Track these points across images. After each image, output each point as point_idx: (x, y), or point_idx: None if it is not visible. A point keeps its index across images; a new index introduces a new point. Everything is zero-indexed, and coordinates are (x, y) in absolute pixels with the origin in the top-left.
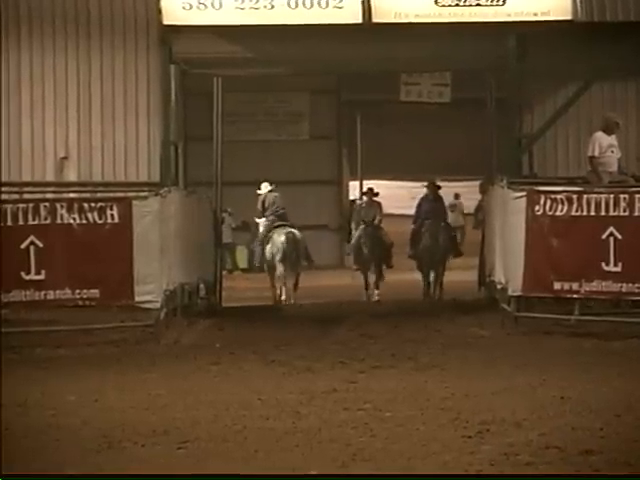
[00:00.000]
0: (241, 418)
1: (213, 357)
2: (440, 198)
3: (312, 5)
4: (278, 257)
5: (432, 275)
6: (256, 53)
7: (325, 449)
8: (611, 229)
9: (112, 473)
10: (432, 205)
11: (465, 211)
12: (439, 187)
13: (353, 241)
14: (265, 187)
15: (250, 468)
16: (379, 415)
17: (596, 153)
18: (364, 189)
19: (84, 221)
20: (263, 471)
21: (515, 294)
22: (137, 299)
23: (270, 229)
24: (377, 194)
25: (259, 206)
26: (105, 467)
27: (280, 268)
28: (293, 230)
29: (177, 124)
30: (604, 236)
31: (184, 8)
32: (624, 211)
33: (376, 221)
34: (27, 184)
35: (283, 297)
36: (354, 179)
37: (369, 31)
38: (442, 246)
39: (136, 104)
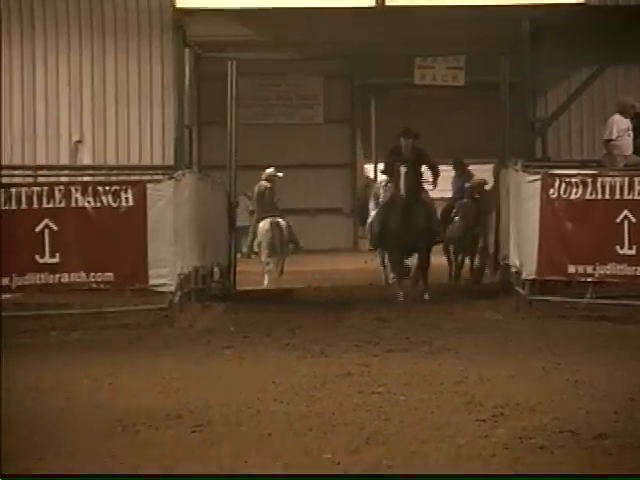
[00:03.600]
0: (255, 402)
1: (227, 341)
2: (470, 175)
3: None
4: (262, 245)
5: (460, 258)
6: (270, 36)
7: (339, 433)
8: (626, 212)
9: (113, 473)
10: (461, 184)
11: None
12: (466, 165)
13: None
14: (268, 172)
15: (264, 452)
16: (393, 399)
17: (613, 136)
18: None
19: (98, 204)
20: (277, 455)
21: (529, 277)
22: (151, 282)
23: (258, 219)
24: None
25: (255, 194)
26: (119, 451)
27: (263, 256)
28: (276, 219)
29: (191, 108)
30: (619, 219)
31: None
32: (639, 194)
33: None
34: (42, 167)
35: (266, 282)
36: (368, 162)
37: (383, 14)
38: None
39: (150, 88)
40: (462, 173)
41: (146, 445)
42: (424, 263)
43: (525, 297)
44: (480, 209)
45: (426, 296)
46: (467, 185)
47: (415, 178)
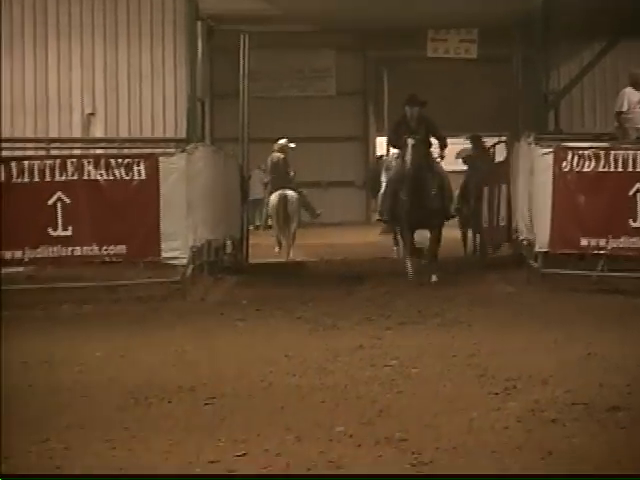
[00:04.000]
0: (267, 374)
1: (239, 313)
2: (486, 151)
3: None
4: (272, 218)
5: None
6: (282, 9)
7: (351, 406)
8: (638, 185)
9: (114, 474)
10: (478, 160)
11: None
12: (482, 139)
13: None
14: (281, 143)
15: (276, 424)
16: (405, 372)
17: (624, 108)
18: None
19: (111, 177)
20: (289, 427)
21: (541, 250)
22: (164, 255)
23: (270, 191)
24: None
25: (269, 166)
26: (131, 424)
27: (275, 228)
28: (286, 191)
29: (203, 81)
30: (631, 192)
31: None
32: None
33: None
34: (54, 140)
35: (277, 252)
36: (380, 135)
37: None
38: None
39: (163, 60)
40: (478, 148)
41: (158, 418)
42: (435, 240)
43: (537, 270)
44: (470, 181)
45: (434, 278)
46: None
47: (424, 149)
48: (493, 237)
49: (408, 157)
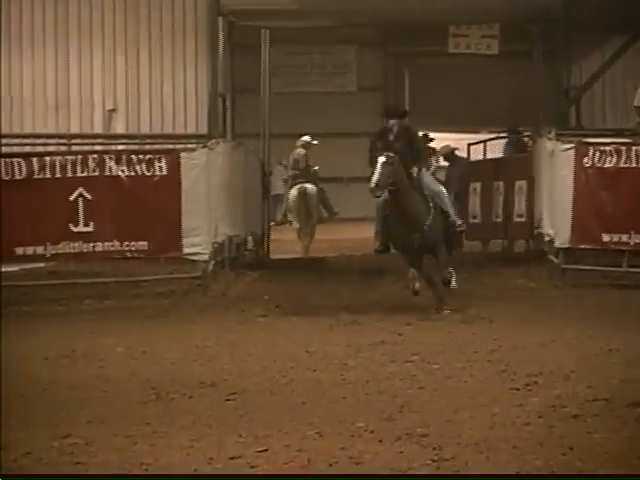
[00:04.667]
0: (289, 370)
1: (261, 309)
2: (524, 145)
3: None
4: (292, 212)
5: None
6: (303, 5)
7: (372, 401)
8: None
9: (117, 474)
10: (512, 152)
11: None
12: (521, 133)
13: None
14: (304, 140)
15: (297, 420)
16: (427, 367)
17: None
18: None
19: (132, 173)
20: (311, 423)
21: (563, 246)
22: (185, 251)
23: (291, 185)
24: (432, 139)
25: (290, 161)
26: (152, 419)
27: (295, 223)
28: (306, 185)
29: (225, 76)
30: None
31: None
32: None
33: (432, 169)
34: (75, 136)
35: (298, 248)
36: None
37: None
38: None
39: (184, 56)
40: (514, 141)
41: (179, 413)
42: (440, 269)
43: (558, 266)
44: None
45: (453, 283)
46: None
47: (399, 167)
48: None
49: (375, 177)
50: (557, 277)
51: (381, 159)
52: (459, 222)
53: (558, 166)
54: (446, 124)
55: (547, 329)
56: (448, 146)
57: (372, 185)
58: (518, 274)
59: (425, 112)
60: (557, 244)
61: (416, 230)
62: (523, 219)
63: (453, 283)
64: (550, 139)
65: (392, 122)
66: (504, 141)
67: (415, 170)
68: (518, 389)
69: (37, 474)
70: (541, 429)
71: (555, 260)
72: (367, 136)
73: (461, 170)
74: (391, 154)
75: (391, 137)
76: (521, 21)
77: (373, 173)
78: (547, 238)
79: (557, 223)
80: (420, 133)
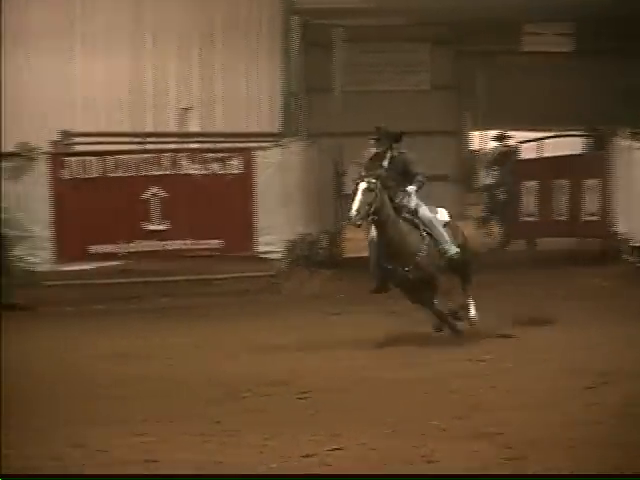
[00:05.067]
0: (361, 369)
1: (334, 307)
2: (603, 143)
3: None
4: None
5: None
6: (376, 3)
7: (445, 400)
8: None
9: (122, 474)
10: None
11: None
12: (598, 131)
13: None
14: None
15: (370, 418)
16: (500, 366)
17: None
18: (495, 134)
19: (206, 172)
20: (384, 422)
21: (638, 245)
22: (259, 249)
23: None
24: (509, 137)
25: (363, 160)
26: (223, 417)
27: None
28: (369, 180)
29: (298, 75)
30: None
31: None
32: None
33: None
34: (150, 134)
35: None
36: (474, 129)
37: None
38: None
39: (257, 55)
40: (595, 139)
41: (250, 411)
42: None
43: (633, 264)
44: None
45: (472, 313)
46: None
47: (380, 195)
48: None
49: (354, 205)
50: (631, 276)
51: (362, 185)
52: (453, 250)
53: (633, 165)
54: (519, 123)
55: (620, 328)
56: (505, 146)
57: (350, 214)
58: (591, 273)
59: (498, 111)
60: (632, 242)
61: (408, 262)
62: (594, 218)
63: (472, 313)
64: (625, 138)
65: (385, 147)
66: (582, 139)
67: (405, 195)
68: (590, 387)
69: (37, 474)
70: (613, 429)
71: (630, 258)
72: (441, 135)
73: (510, 169)
74: (373, 180)
75: (385, 164)
76: (596, 18)
77: (353, 200)
78: (621, 237)
79: (632, 221)
80: (496, 132)
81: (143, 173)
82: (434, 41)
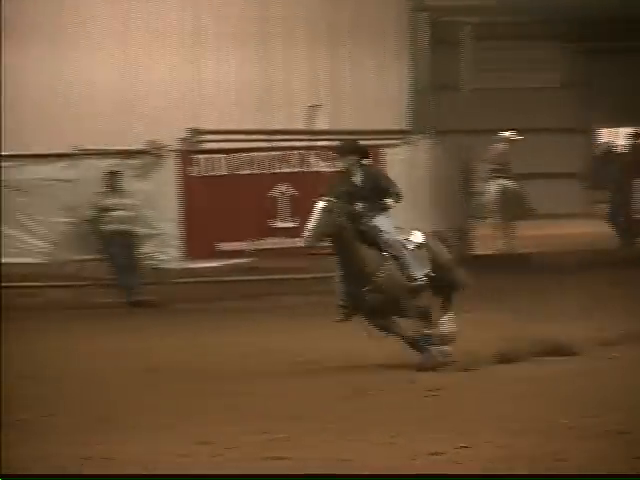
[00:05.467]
0: (490, 366)
1: (464, 304)
2: None
3: None
4: (492, 209)
5: None
6: (504, 0)
7: (573, 397)
8: None
9: (117, 474)
10: None
11: None
12: None
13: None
14: (506, 135)
15: (498, 416)
16: (627, 365)
17: None
18: (631, 131)
19: (334, 169)
20: (511, 418)
21: None
22: None
23: (491, 181)
24: None
25: (490, 157)
26: (351, 414)
27: (494, 219)
28: (506, 182)
29: (426, 72)
30: None
31: None
32: None
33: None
34: (277, 132)
35: (499, 246)
36: (603, 127)
37: None
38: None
39: (385, 52)
40: None
41: (375, 409)
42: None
43: None
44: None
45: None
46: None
47: (340, 216)
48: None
49: (310, 226)
50: None
51: (319, 205)
52: (418, 275)
53: None
54: None
55: None
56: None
57: (305, 235)
58: None
59: (627, 108)
60: None
61: (365, 283)
62: None
63: (447, 330)
64: None
65: (351, 162)
66: None
67: (373, 214)
68: None
69: (37, 474)
70: None
71: None
72: (569, 133)
73: (618, 166)
74: (332, 199)
75: (357, 182)
76: None
77: (309, 221)
78: None
79: None
80: (632, 130)
81: (271, 171)
82: (563, 39)
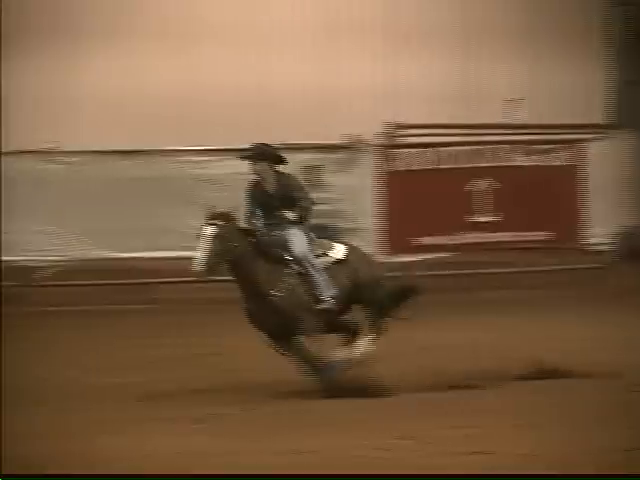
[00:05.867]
0: None
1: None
2: None
3: None
4: None
5: None
6: None
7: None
8: None
9: (117, 473)
10: None
11: None
12: None
13: None
14: None
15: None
16: None
17: None
18: None
19: (533, 163)
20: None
21: None
22: (590, 241)
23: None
24: None
25: None
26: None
27: None
28: (217, 223)
29: (624, 66)
30: None
31: None
32: None
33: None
34: (476, 126)
35: None
36: None
37: None
38: None
39: (584, 44)
40: None
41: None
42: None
43: None
44: None
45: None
46: None
47: (238, 236)
48: None
49: (200, 255)
50: None
51: (208, 230)
52: (325, 295)
53: None
54: None
55: None
56: None
57: (194, 265)
58: None
59: None
60: None
61: (262, 301)
62: None
63: (359, 352)
64: None
65: (261, 169)
66: None
67: (281, 228)
68: None
69: (37, 474)
70: None
71: None
72: None
73: None
74: (222, 222)
75: (271, 191)
76: None
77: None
78: None
79: None
80: None
81: (470, 165)
82: None
